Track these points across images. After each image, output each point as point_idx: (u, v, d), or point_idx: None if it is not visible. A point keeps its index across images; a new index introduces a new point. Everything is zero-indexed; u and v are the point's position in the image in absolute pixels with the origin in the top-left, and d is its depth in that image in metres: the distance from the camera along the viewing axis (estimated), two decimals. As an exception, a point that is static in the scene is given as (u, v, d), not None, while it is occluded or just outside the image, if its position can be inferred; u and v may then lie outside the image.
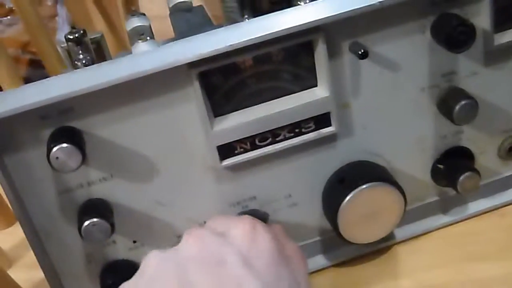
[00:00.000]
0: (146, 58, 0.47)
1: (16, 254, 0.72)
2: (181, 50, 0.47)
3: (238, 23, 0.51)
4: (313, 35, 0.49)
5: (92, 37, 0.71)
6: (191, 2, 0.68)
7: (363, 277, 0.58)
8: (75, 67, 0.64)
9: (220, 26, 0.63)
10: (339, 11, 0.48)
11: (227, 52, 0.47)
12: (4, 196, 0.75)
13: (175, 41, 0.49)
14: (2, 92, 0.47)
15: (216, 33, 0.48)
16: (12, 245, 0.73)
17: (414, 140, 0.57)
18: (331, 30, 0.49)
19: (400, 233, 0.60)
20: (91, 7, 0.95)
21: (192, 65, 0.47)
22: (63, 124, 0.48)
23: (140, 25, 0.64)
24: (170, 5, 0.68)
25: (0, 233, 0.76)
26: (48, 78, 0.47)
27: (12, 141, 0.48)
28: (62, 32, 1.19)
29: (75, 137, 0.47)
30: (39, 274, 0.64)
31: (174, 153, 0.51)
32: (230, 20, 0.63)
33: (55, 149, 0.45)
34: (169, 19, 0.67)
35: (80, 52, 0.67)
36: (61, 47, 0.68)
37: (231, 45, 0.47)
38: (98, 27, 0.95)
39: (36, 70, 1.24)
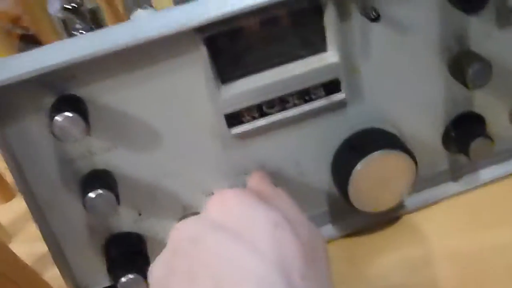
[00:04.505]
0: (151, 23, 0.45)
1: (16, 228, 0.70)
2: (187, 14, 0.45)
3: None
4: (322, -3, 0.47)
5: (89, 7, 0.69)
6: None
7: (374, 247, 0.57)
8: (72, 37, 0.62)
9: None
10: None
11: (234, 15, 0.45)
12: (3, 170, 0.74)
13: (180, 5, 0.47)
14: (2, 58, 0.45)
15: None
16: (11, 219, 0.72)
17: (425, 105, 0.55)
18: (341, -8, 0.47)
19: (411, 202, 0.59)
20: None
21: (198, 29, 0.46)
22: (65, 92, 0.46)
23: (139, -6, 0.63)
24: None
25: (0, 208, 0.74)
26: (49, 44, 0.45)
27: (12, 110, 0.46)
28: (52, 4, 1.17)
29: (78, 106, 0.45)
30: (39, 248, 0.63)
31: (180, 121, 0.49)
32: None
33: (58, 118, 0.43)
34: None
35: (77, 21, 0.66)
36: (57, 17, 0.67)
37: (238, 8, 0.45)
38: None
39: (27, 45, 1.21)
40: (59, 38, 0.65)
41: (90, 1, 0.68)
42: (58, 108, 0.45)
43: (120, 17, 0.96)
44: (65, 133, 0.44)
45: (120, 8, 0.98)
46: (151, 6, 0.63)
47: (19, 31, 1.29)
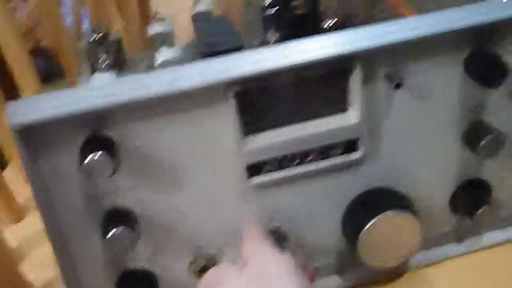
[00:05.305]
0: (187, 73, 0.47)
1: (24, 251, 0.71)
2: (222, 69, 0.47)
3: (278, 46, 0.50)
4: (350, 62, 0.49)
5: (111, 39, 0.70)
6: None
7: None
8: (95, 67, 0.64)
9: (240, 35, 0.63)
10: (377, 42, 0.48)
11: (267, 74, 0.48)
12: (13, 191, 0.75)
13: (214, 59, 0.49)
14: (43, 95, 0.46)
15: (255, 54, 0.49)
16: (20, 241, 0.72)
17: (436, 169, 0.57)
18: (368, 59, 0.50)
19: (414, 260, 0.61)
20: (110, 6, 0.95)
21: (230, 84, 0.48)
22: (98, 131, 0.48)
23: (163, 32, 0.64)
24: (193, 12, 0.68)
25: (8, 229, 0.75)
26: (89, 87, 0.47)
27: (47, 144, 0.48)
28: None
29: (108, 147, 0.47)
30: (47, 274, 0.64)
31: (204, 167, 0.51)
32: (250, 29, 0.64)
33: (88, 158, 0.45)
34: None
35: (103, 53, 0.67)
36: (81, 45, 0.68)
37: (272, 68, 0.47)
38: (114, 27, 0.95)
39: (37, 59, 1.23)
40: (80, 66, 0.67)
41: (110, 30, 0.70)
42: (88, 147, 0.46)
43: (138, 46, 0.98)
44: (93, 172, 0.46)
45: (138, 38, 1.00)
46: (174, 43, 0.65)
47: (30, 44, 1.31)
